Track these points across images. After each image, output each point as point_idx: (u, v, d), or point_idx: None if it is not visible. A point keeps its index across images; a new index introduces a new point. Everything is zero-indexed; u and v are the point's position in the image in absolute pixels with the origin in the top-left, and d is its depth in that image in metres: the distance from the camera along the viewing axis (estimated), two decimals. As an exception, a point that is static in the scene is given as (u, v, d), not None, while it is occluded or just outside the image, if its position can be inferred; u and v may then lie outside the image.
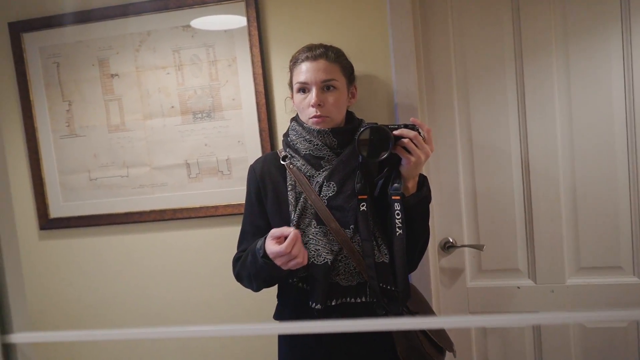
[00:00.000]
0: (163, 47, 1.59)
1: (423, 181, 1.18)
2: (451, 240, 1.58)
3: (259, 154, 1.57)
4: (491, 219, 1.55)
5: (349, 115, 1.27)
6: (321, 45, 1.22)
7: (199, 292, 1.68)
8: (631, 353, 1.49)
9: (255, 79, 1.55)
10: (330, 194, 1.16)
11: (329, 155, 1.19)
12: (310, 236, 1.15)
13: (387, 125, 1.11)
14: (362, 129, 1.12)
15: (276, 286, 1.25)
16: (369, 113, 1.48)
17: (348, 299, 1.15)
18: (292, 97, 1.26)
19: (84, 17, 1.61)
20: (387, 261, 1.14)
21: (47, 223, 1.73)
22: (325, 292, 1.12)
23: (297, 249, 1.04)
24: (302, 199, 1.17)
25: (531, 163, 1.51)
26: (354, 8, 1.50)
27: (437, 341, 1.20)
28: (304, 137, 1.21)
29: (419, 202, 1.14)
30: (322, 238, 1.14)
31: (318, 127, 1.18)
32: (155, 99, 1.62)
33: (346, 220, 1.15)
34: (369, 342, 1.17)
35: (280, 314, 1.26)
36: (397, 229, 1.10)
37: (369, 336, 1.16)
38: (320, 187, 1.17)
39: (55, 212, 1.73)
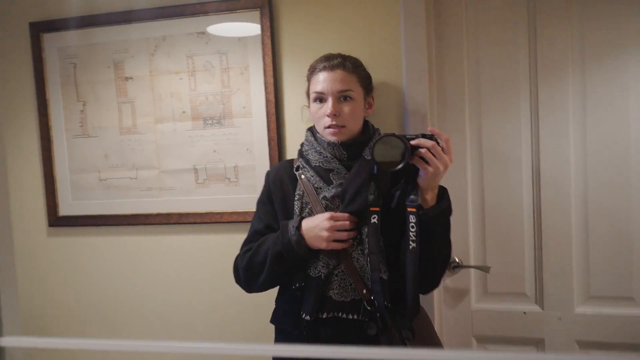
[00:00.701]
0: (177, 53, 1.61)
1: (443, 193, 1.13)
2: (457, 260, 1.55)
3: (267, 163, 1.57)
4: (499, 240, 1.52)
5: (365, 125, 1.25)
6: (339, 55, 1.21)
7: (201, 296, 1.68)
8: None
9: (266, 87, 1.55)
10: (339, 207, 1.15)
11: (338, 168, 1.18)
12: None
13: (404, 135, 1.07)
14: (377, 138, 1.07)
15: (276, 289, 1.25)
16: (379, 123, 1.46)
17: (340, 314, 1.14)
18: (308, 106, 1.25)
19: (102, 20, 1.64)
20: (385, 277, 1.12)
21: (56, 220, 1.75)
22: (315, 304, 1.12)
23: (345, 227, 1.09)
24: (307, 210, 1.18)
25: (542, 183, 1.47)
26: (366, 20, 1.49)
27: None
28: (315, 148, 1.21)
29: (439, 214, 1.10)
30: (321, 251, 1.14)
31: (334, 138, 1.17)
32: (167, 103, 1.64)
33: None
34: None
35: (276, 318, 1.24)
36: (411, 242, 1.06)
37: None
38: (327, 201, 1.16)
39: (64, 210, 1.75)
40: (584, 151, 1.44)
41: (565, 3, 1.43)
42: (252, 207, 1.58)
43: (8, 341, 0.58)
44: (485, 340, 1.56)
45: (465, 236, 1.54)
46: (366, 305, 1.12)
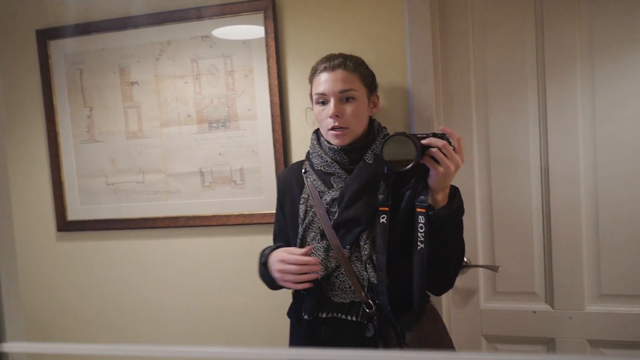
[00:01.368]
0: (182, 57, 1.62)
1: (454, 193, 1.09)
2: (465, 259, 1.53)
3: (272, 165, 1.57)
4: (508, 239, 1.50)
5: (370, 125, 1.23)
6: (340, 55, 1.20)
7: (209, 300, 1.68)
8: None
9: (270, 90, 1.55)
10: (337, 211, 1.15)
11: (339, 172, 1.17)
12: (312, 250, 1.16)
13: (414, 134, 1.03)
14: (387, 137, 1.04)
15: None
16: (385, 124, 1.45)
17: (339, 314, 1.15)
18: (312, 109, 1.25)
19: (107, 26, 1.65)
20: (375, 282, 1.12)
21: (65, 225, 1.77)
22: (314, 305, 1.15)
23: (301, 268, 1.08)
24: (310, 213, 1.18)
25: (551, 182, 1.46)
26: (371, 21, 1.48)
27: None
28: (317, 152, 1.21)
29: (450, 215, 1.07)
30: (321, 253, 1.15)
31: (337, 141, 1.16)
32: (172, 107, 1.64)
33: (345, 240, 1.13)
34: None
35: (289, 312, 1.29)
36: (419, 243, 1.03)
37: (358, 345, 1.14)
38: (329, 204, 1.16)
39: (72, 214, 1.76)
40: (594, 148, 1.42)
41: (571, -1, 1.41)
42: (258, 210, 1.61)
43: (11, 347, 0.58)
44: (494, 340, 1.54)
45: (473, 235, 1.52)
46: (365, 308, 1.12)
